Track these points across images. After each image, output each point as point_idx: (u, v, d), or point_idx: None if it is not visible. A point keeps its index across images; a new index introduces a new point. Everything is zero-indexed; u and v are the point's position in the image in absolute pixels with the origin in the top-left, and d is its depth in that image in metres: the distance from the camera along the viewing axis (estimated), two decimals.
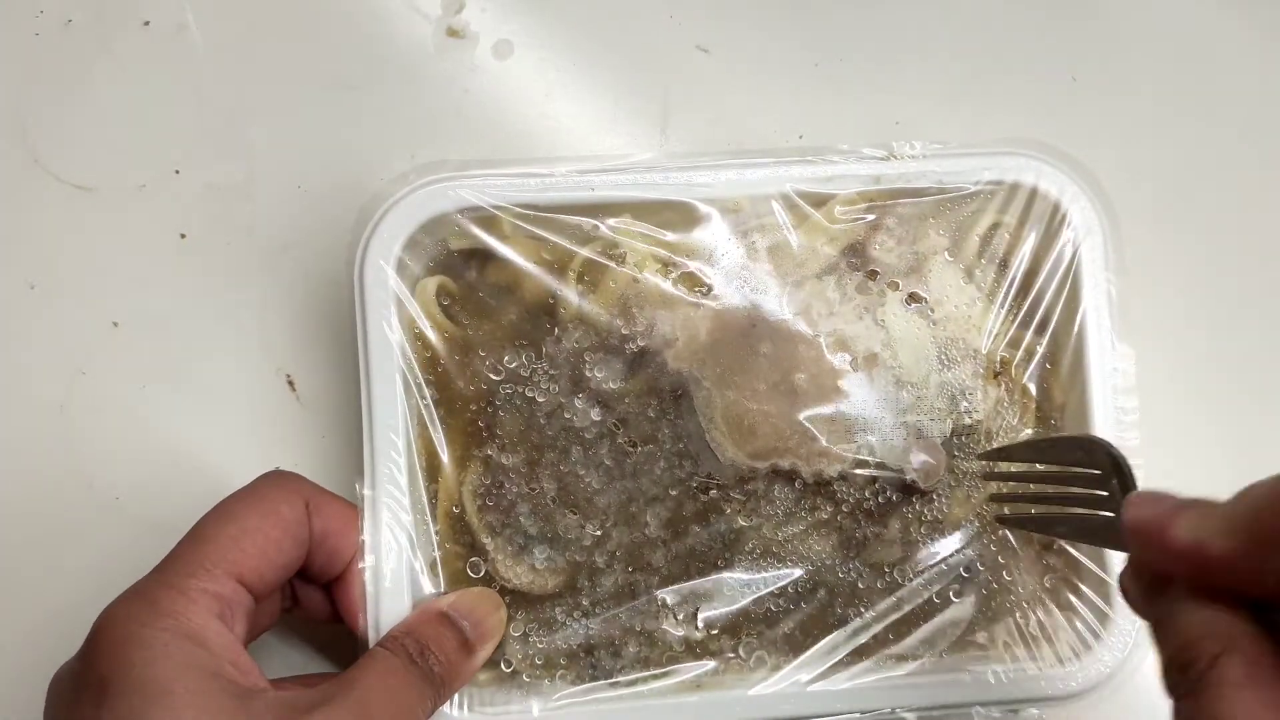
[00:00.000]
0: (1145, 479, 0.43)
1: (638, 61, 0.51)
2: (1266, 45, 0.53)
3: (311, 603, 0.42)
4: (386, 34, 0.50)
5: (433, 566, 0.42)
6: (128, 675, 0.33)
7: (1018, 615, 0.43)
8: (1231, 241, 0.51)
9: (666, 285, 0.44)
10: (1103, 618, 0.43)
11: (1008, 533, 0.44)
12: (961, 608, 0.43)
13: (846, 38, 0.51)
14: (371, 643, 0.40)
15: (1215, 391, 0.50)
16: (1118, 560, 0.43)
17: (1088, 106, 0.52)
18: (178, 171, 0.49)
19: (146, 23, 0.50)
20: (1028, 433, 0.45)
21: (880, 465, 0.43)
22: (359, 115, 0.50)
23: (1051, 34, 0.52)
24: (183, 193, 0.49)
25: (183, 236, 0.48)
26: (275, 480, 0.39)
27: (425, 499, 0.42)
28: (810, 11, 0.52)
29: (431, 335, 0.43)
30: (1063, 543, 0.44)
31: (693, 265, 0.44)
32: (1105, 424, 0.44)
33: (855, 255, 0.45)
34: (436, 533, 0.42)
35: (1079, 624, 0.43)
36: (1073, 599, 0.43)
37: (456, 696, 0.41)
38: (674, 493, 0.43)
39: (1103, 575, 0.43)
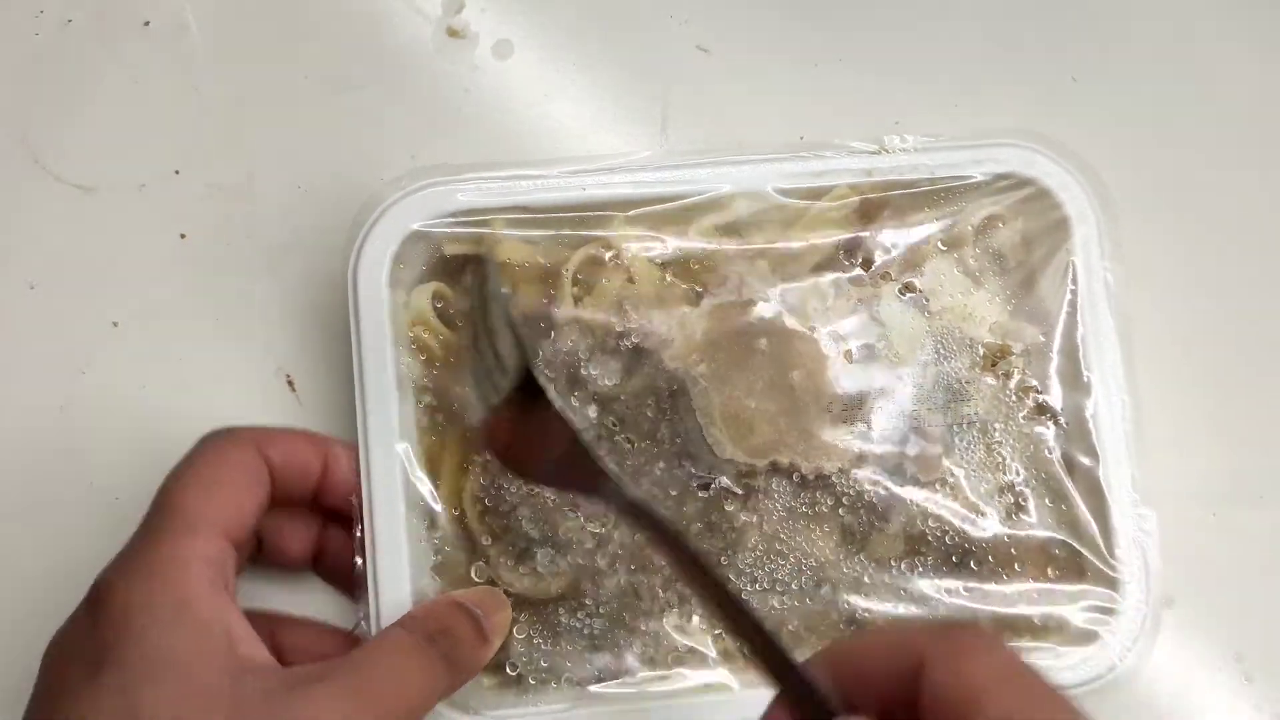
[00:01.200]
0: (1149, 469, 0.44)
1: (638, 61, 0.51)
2: (1266, 45, 0.53)
3: (283, 542, 0.42)
4: (386, 34, 0.50)
5: (436, 571, 0.42)
6: (127, 645, 0.33)
7: (1023, 607, 0.43)
8: (1233, 240, 0.51)
9: (662, 284, 0.44)
10: (1107, 610, 0.43)
11: (1012, 526, 0.44)
12: (966, 600, 0.43)
13: (847, 38, 0.51)
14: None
15: (1217, 386, 0.50)
16: (1122, 554, 0.43)
17: (1088, 107, 0.51)
18: (178, 171, 0.49)
19: (146, 23, 0.50)
20: (1021, 418, 0.45)
21: (880, 459, 0.43)
22: (359, 115, 0.50)
23: (1051, 34, 0.52)
24: (183, 193, 0.49)
25: (183, 236, 0.48)
26: (217, 435, 0.39)
27: (425, 504, 0.42)
28: (810, 12, 0.52)
29: (427, 340, 0.43)
30: (1067, 539, 0.44)
31: (687, 263, 0.44)
32: (1104, 412, 0.44)
33: (849, 249, 0.45)
34: (437, 538, 0.42)
35: (1083, 617, 0.43)
36: (1077, 590, 0.43)
37: (461, 703, 0.41)
38: (674, 492, 0.43)
39: (1108, 569, 0.43)
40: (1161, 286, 0.49)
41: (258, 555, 0.42)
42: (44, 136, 0.49)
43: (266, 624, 0.39)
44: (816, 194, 0.45)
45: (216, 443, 0.39)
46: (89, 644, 0.34)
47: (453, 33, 0.51)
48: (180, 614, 0.34)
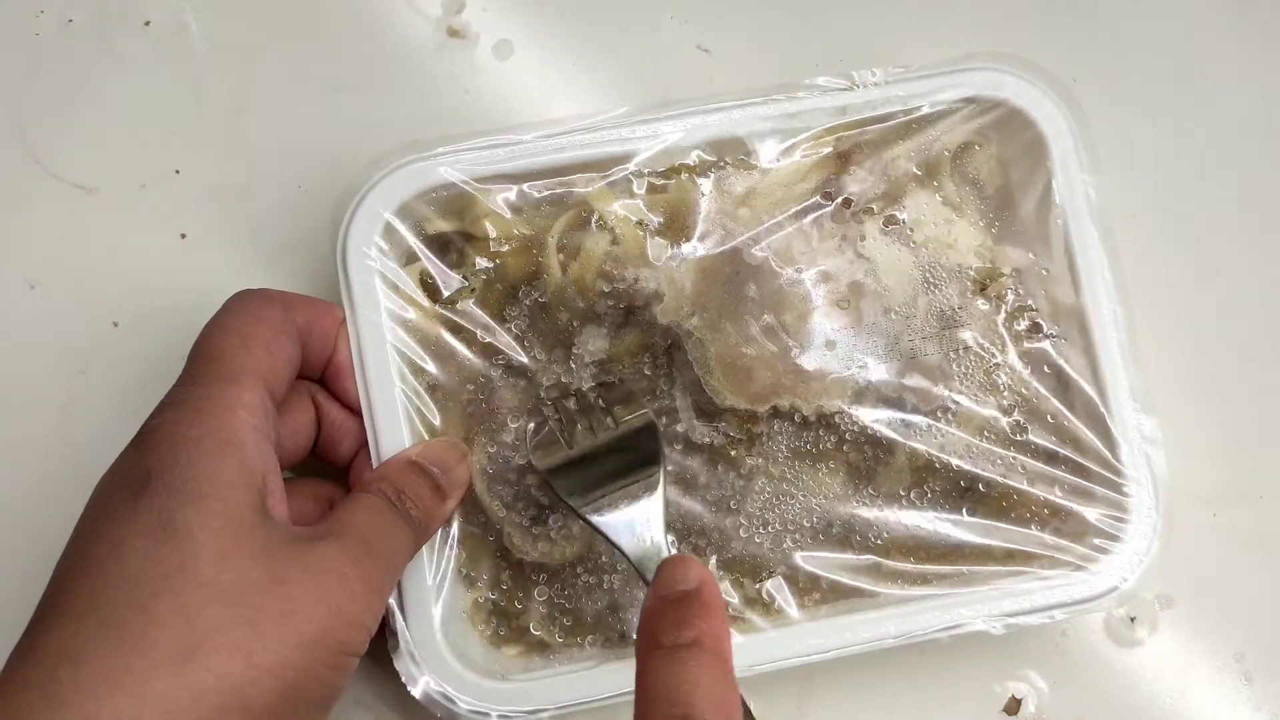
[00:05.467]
0: (1146, 377, 0.44)
1: (638, 61, 0.51)
2: (1266, 45, 0.53)
3: (338, 435, 0.42)
4: (386, 34, 0.50)
5: (449, 545, 0.42)
6: (173, 472, 0.34)
7: (1034, 527, 0.44)
8: (1233, 240, 0.51)
9: (646, 241, 0.44)
10: (1119, 520, 0.43)
11: (1017, 447, 0.44)
12: (976, 525, 0.44)
13: (847, 40, 0.51)
14: None
15: (1219, 388, 0.50)
16: (1127, 459, 0.43)
17: (1087, 107, 0.51)
18: (178, 171, 0.49)
19: (147, 23, 0.50)
20: (1018, 338, 0.45)
21: (879, 393, 0.44)
22: (359, 115, 0.50)
23: (1051, 35, 0.52)
24: (183, 193, 0.49)
25: (183, 236, 0.48)
26: (245, 293, 0.40)
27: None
28: (811, 12, 0.52)
29: (420, 321, 0.43)
30: (1072, 453, 0.44)
31: (670, 218, 0.44)
32: (1096, 324, 0.44)
33: (829, 189, 0.45)
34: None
35: (1095, 528, 0.43)
36: (1087, 504, 0.44)
37: (488, 669, 0.41)
38: (678, 445, 0.44)
39: (1114, 477, 0.43)
40: (1166, 294, 0.49)
41: (312, 452, 0.42)
42: (44, 136, 0.49)
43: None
44: (792, 136, 0.45)
45: (249, 299, 0.39)
46: (134, 473, 0.34)
47: (453, 33, 0.51)
48: (225, 450, 0.35)
